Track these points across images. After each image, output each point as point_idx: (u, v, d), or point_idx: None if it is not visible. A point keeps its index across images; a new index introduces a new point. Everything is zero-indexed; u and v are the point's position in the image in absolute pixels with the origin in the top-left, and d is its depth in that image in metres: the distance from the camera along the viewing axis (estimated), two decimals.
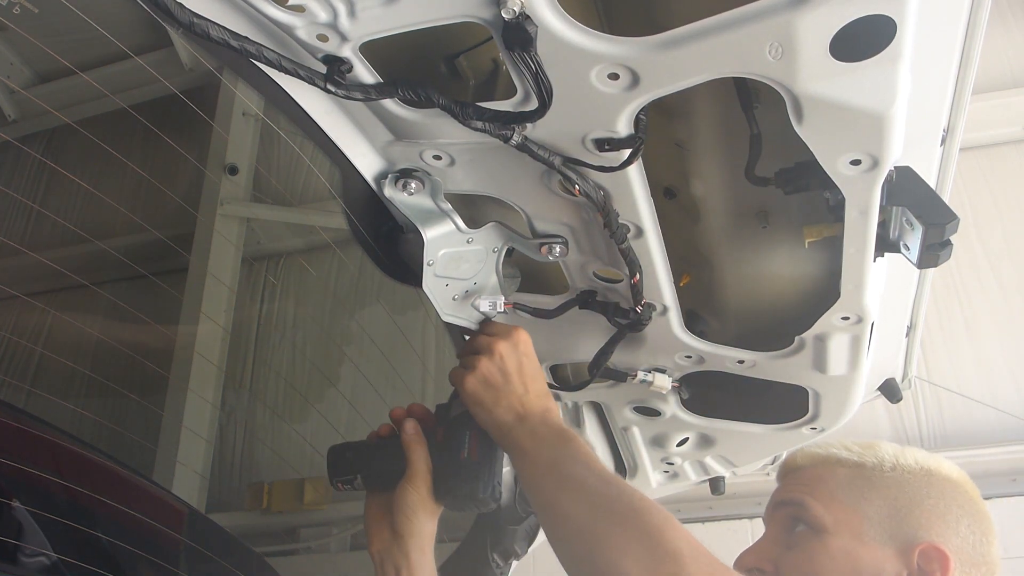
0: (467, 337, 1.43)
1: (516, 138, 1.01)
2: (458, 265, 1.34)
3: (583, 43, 0.87)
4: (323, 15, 0.88)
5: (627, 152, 1.02)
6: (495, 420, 1.25)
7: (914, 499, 1.13)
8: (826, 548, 1.11)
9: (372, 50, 0.95)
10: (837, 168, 0.98)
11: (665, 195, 1.37)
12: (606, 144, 1.02)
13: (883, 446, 1.20)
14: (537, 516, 1.18)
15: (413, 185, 1.20)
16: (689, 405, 1.71)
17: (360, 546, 4.07)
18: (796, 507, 1.17)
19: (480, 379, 1.27)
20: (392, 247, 1.35)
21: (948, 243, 1.06)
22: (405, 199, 1.23)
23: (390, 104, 1.06)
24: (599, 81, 0.91)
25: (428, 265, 1.30)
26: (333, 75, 0.95)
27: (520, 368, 1.28)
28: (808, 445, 1.29)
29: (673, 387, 1.60)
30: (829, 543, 1.12)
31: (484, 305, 1.39)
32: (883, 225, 1.11)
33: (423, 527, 1.28)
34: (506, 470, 1.33)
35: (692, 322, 1.48)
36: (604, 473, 1.11)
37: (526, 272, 1.53)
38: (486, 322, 1.42)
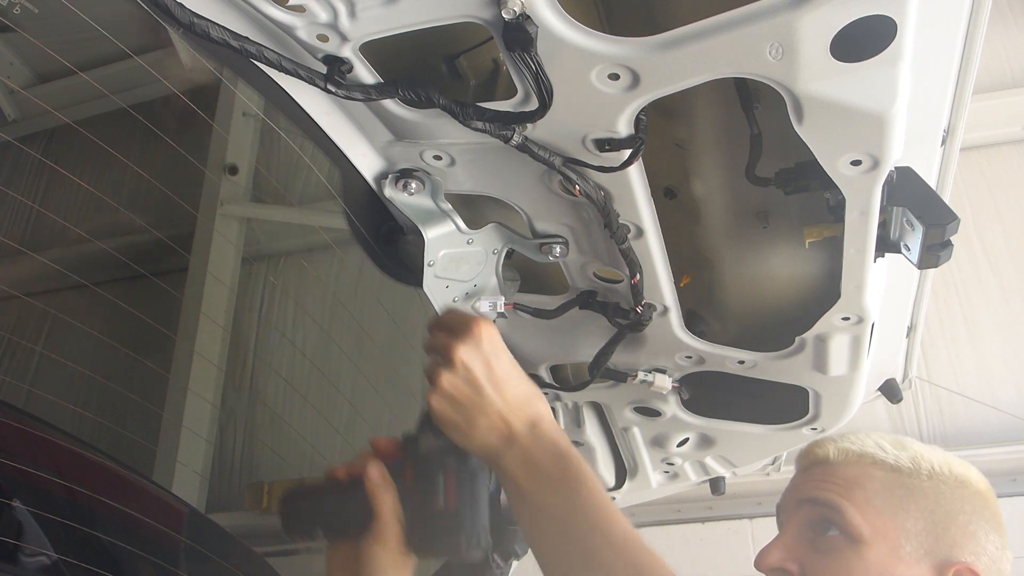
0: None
1: (516, 138, 1.01)
2: (458, 266, 1.34)
3: (583, 43, 0.87)
4: (323, 15, 0.88)
5: (627, 152, 1.02)
6: (477, 447, 1.09)
7: (950, 513, 1.08)
8: (862, 560, 1.06)
9: (372, 50, 0.94)
10: (837, 168, 0.98)
11: (665, 195, 1.37)
12: (606, 144, 1.02)
13: (915, 447, 1.15)
14: (539, 564, 1.03)
15: (413, 185, 1.20)
16: (689, 405, 1.71)
17: None
18: (830, 510, 1.10)
19: (445, 398, 1.09)
20: (392, 247, 1.35)
21: (948, 243, 1.06)
22: (405, 199, 1.23)
23: (390, 104, 1.05)
24: (599, 81, 0.91)
25: (429, 266, 1.29)
26: (333, 75, 0.95)
27: (489, 373, 1.08)
28: (836, 437, 1.20)
29: (673, 387, 1.60)
30: (865, 555, 1.06)
31: (484, 306, 1.38)
32: (883, 225, 1.11)
33: None
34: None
35: (692, 322, 1.48)
36: (626, 539, 0.97)
37: (526, 272, 1.53)
38: (445, 312, 1.25)
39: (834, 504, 1.10)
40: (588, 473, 1.03)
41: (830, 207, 1.12)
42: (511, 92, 0.97)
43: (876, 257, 1.16)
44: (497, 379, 1.08)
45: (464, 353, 1.08)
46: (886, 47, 0.81)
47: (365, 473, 1.14)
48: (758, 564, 1.13)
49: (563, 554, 0.98)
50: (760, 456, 1.98)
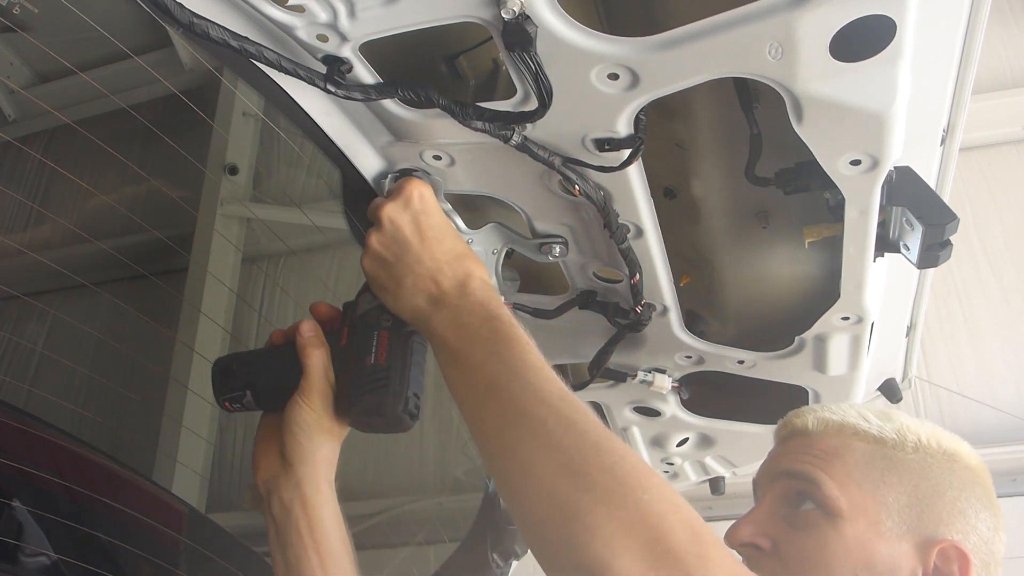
0: None
1: (516, 138, 1.01)
2: None
3: (583, 43, 0.87)
4: (323, 15, 0.88)
5: (627, 152, 1.02)
6: (405, 307, 1.02)
7: (936, 489, 1.01)
8: (839, 535, 0.99)
9: (372, 50, 0.95)
10: (837, 168, 0.98)
11: (665, 195, 1.37)
12: (606, 144, 1.02)
13: (902, 419, 1.07)
14: (476, 443, 0.93)
15: None
16: (689, 405, 1.71)
17: (360, 546, 4.06)
18: (807, 483, 1.03)
19: (375, 258, 1.04)
20: None
21: (948, 243, 1.06)
22: None
23: (390, 104, 1.06)
24: (599, 81, 0.91)
25: None
26: (333, 75, 0.95)
27: (418, 230, 1.03)
28: (817, 407, 1.14)
29: (673, 387, 1.60)
30: (843, 530, 0.99)
31: None
32: (883, 225, 1.11)
33: (317, 451, 1.05)
34: None
35: (692, 322, 1.48)
36: (561, 397, 0.87)
37: (526, 272, 1.53)
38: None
39: (810, 476, 1.03)
40: (520, 333, 0.95)
41: (830, 207, 1.12)
42: (511, 92, 0.97)
43: (876, 257, 1.17)
44: (425, 237, 1.03)
45: (392, 211, 1.04)
46: (885, 47, 0.81)
47: (298, 331, 1.10)
48: (727, 539, 1.06)
49: (495, 415, 0.89)
50: (760, 456, 1.96)
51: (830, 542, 1.00)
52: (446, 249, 1.04)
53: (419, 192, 1.07)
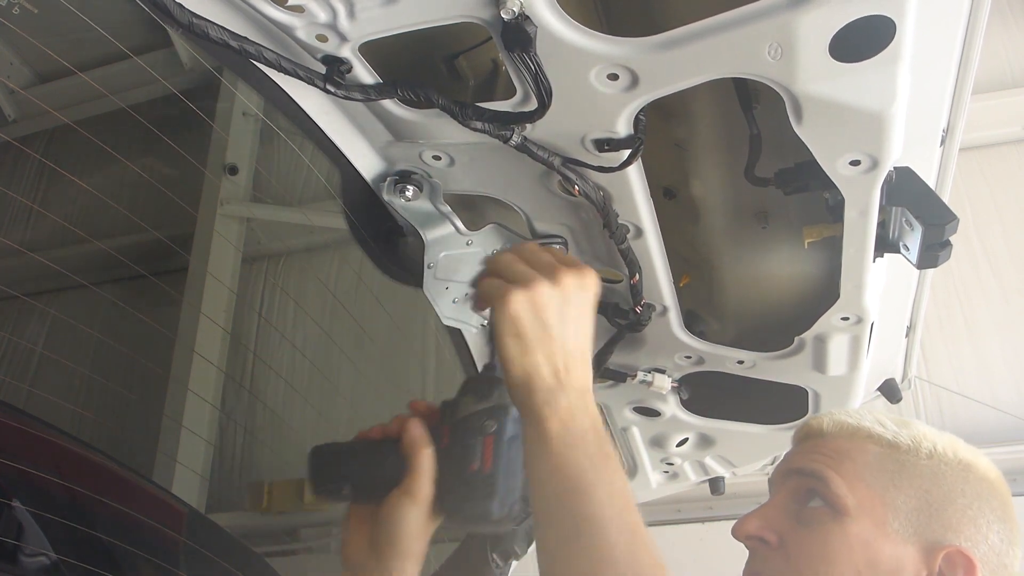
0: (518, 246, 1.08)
1: (516, 138, 1.01)
2: (458, 268, 1.34)
3: (582, 43, 0.87)
4: (322, 15, 0.88)
5: (626, 152, 1.02)
6: (527, 367, 0.94)
7: (948, 495, 1.01)
8: (844, 533, 1.00)
9: (371, 50, 0.94)
10: (837, 168, 0.98)
11: (665, 195, 1.37)
12: (605, 144, 1.02)
13: (919, 427, 1.07)
14: (535, 525, 0.95)
15: (410, 191, 1.20)
16: (689, 405, 1.71)
17: None
18: (815, 480, 1.04)
19: (531, 304, 0.94)
20: (392, 248, 1.35)
21: (948, 243, 1.06)
22: (403, 203, 1.23)
23: (390, 104, 1.06)
24: (598, 81, 0.91)
25: (428, 268, 1.29)
26: (332, 75, 0.95)
27: (580, 319, 0.97)
28: (836, 411, 1.14)
29: (673, 387, 1.60)
30: (847, 528, 1.00)
31: None
32: (883, 225, 1.11)
33: (411, 548, 1.05)
34: None
35: (692, 322, 1.48)
36: (633, 526, 0.89)
37: None
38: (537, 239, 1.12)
39: (819, 474, 1.04)
40: (624, 476, 0.95)
41: (829, 207, 1.12)
42: (510, 92, 0.97)
43: (875, 257, 1.16)
44: (582, 328, 0.97)
45: (572, 281, 0.97)
46: (885, 47, 0.81)
47: (404, 428, 1.08)
48: (735, 532, 1.08)
49: (570, 518, 0.89)
50: (760, 456, 1.98)
51: (834, 538, 1.00)
52: (587, 357, 0.99)
53: (596, 286, 1.01)
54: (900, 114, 0.88)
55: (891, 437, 1.06)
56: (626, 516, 0.90)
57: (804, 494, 1.06)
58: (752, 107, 1.13)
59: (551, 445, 0.92)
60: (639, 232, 1.20)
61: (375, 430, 1.13)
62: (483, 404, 1.08)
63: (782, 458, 1.17)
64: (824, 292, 1.30)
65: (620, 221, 1.17)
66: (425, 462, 1.04)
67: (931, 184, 1.19)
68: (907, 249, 1.12)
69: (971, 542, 0.99)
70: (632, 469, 2.00)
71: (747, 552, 1.11)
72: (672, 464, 1.98)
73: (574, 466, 0.91)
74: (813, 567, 1.01)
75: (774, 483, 1.14)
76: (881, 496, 1.02)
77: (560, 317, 0.95)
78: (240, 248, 4.44)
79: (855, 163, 0.97)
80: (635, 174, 1.09)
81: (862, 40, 0.81)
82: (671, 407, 1.70)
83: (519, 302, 0.94)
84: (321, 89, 0.96)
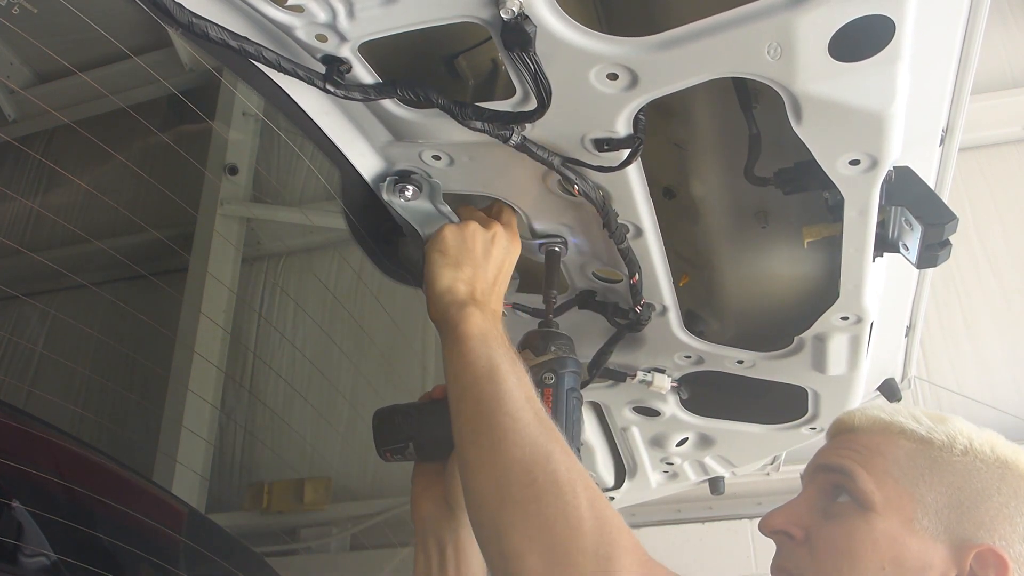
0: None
1: (515, 138, 1.01)
2: None
3: (582, 43, 0.87)
4: (322, 15, 0.88)
5: (626, 152, 1.02)
6: (449, 280, 1.09)
7: (982, 493, 0.98)
8: (870, 528, 0.98)
9: (371, 50, 0.95)
10: (836, 168, 0.98)
11: (664, 195, 1.37)
12: (605, 144, 1.02)
13: (956, 423, 1.05)
14: (453, 428, 1.01)
15: (410, 191, 1.20)
16: (688, 405, 1.71)
17: (360, 546, 4.07)
18: (843, 475, 1.03)
19: (460, 233, 1.13)
20: (392, 248, 1.35)
21: (947, 243, 1.06)
22: (403, 203, 1.23)
23: (389, 104, 1.06)
24: (598, 81, 0.91)
25: None
26: (332, 75, 0.95)
27: (502, 265, 1.15)
28: (871, 406, 1.13)
29: (672, 387, 1.60)
30: (874, 523, 0.99)
31: None
32: (882, 225, 1.11)
33: None
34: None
35: (691, 322, 1.48)
36: (542, 426, 0.95)
37: (525, 272, 1.53)
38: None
39: (846, 469, 1.03)
40: (529, 382, 1.03)
41: (829, 207, 1.12)
42: (510, 92, 0.97)
43: (875, 257, 1.16)
44: (502, 271, 1.14)
45: (502, 234, 1.15)
46: (884, 47, 0.81)
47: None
48: (762, 527, 1.08)
49: (480, 404, 0.98)
50: (759, 456, 1.98)
51: (859, 533, 0.99)
52: (500, 294, 1.14)
53: (518, 251, 1.19)
54: (899, 114, 0.89)
55: (925, 433, 1.04)
56: (533, 402, 0.98)
57: (832, 490, 1.05)
58: (752, 107, 1.13)
59: (467, 343, 1.02)
60: (639, 232, 1.20)
61: (438, 389, 1.22)
62: (541, 358, 1.16)
63: (814, 454, 1.16)
64: (824, 292, 1.30)
65: (620, 221, 1.17)
66: None
67: (931, 184, 1.19)
68: (907, 249, 1.12)
69: (1005, 541, 0.96)
70: (632, 469, 2.00)
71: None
72: (672, 464, 1.98)
73: (486, 360, 1.01)
74: (837, 562, 1.00)
75: (804, 478, 1.14)
76: (910, 492, 1.00)
77: (484, 253, 1.12)
78: (240, 248, 4.45)
79: (855, 163, 0.97)
80: (635, 174, 1.09)
81: (861, 40, 0.81)
82: (671, 407, 1.70)
83: (450, 229, 1.13)
84: (321, 89, 0.96)
